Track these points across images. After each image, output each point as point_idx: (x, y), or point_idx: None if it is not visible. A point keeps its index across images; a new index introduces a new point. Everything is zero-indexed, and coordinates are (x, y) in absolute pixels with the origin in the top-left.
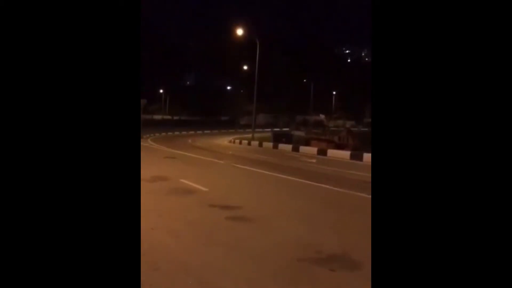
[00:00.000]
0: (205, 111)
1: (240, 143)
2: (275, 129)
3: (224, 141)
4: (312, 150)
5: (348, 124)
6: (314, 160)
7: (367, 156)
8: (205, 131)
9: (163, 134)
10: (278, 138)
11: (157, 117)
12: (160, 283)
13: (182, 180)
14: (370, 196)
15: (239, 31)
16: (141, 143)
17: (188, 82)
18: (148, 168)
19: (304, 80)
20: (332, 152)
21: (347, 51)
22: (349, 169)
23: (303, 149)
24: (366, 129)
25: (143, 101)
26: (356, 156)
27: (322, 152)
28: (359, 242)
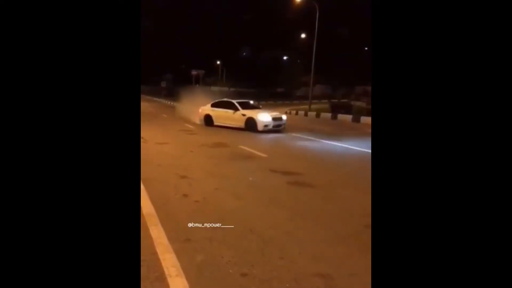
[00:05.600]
0: (260, 82)
1: (296, 113)
2: (333, 100)
3: (280, 112)
4: None
5: None
6: None
7: None
8: (261, 102)
9: None
10: (336, 109)
11: (215, 88)
12: (226, 239)
13: (241, 147)
14: None
15: None
16: None
17: (244, 53)
18: (209, 135)
19: (366, 49)
20: None
21: None
22: None
23: (364, 119)
24: None
25: (201, 72)
26: None
27: None
28: None
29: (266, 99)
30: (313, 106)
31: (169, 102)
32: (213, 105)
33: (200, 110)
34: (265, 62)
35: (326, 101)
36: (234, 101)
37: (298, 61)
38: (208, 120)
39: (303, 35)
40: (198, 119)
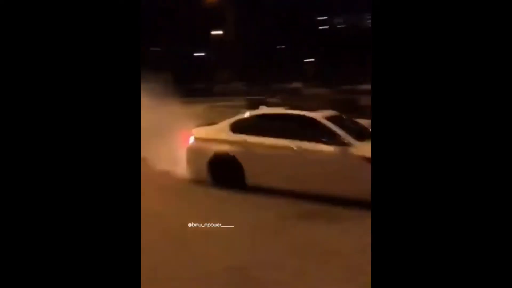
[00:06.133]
0: (176, 79)
1: None
2: (249, 97)
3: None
4: None
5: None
6: None
7: None
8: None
9: None
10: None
11: None
12: None
13: None
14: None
15: None
16: None
17: (159, 49)
18: None
19: (283, 47)
20: None
21: (320, 18)
22: None
23: None
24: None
25: None
26: None
27: None
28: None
29: (182, 95)
30: (229, 103)
31: None
32: (239, 127)
33: (191, 142)
34: (181, 58)
35: (243, 98)
36: (323, 119)
37: (214, 57)
38: (222, 170)
39: (220, 32)
40: (187, 167)
